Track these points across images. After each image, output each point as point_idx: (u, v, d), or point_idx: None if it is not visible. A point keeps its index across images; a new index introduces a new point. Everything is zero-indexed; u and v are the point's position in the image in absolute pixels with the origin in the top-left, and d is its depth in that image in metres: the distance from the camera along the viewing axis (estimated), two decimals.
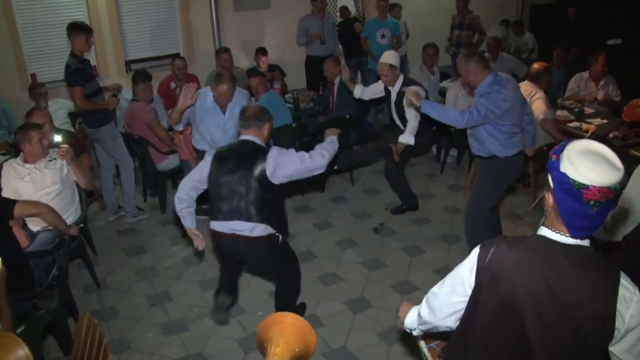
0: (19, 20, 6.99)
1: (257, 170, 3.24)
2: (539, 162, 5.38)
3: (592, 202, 1.62)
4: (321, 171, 3.40)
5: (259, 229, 3.30)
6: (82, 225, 4.40)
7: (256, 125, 3.42)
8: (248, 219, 3.27)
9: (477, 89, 4.00)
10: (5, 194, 3.99)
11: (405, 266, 4.68)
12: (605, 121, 5.55)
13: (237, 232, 3.32)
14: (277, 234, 3.41)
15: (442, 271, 4.49)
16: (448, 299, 1.91)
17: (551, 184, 1.72)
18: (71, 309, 3.93)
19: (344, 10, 8.96)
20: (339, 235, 5.24)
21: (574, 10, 9.39)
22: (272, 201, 3.35)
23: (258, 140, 3.40)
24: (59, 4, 7.17)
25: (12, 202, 3.48)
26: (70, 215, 4.22)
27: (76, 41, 4.93)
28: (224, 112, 4.55)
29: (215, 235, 3.45)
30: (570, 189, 1.64)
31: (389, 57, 5.10)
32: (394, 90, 5.18)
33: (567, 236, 1.72)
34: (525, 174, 5.59)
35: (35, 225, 4.05)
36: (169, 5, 8.01)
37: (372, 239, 5.17)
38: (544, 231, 1.78)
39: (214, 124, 4.56)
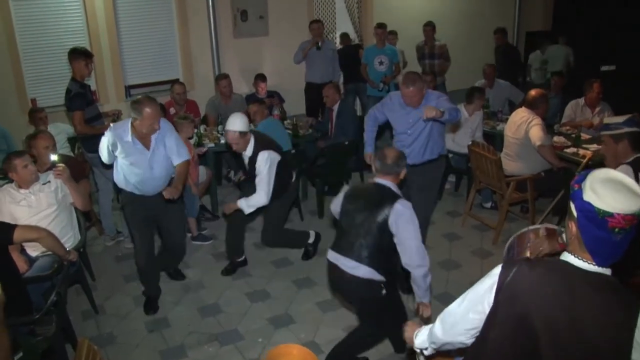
0: (21, 45, 7.06)
1: (381, 217, 3.24)
2: (538, 188, 5.41)
3: (616, 230, 1.65)
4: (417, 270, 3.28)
5: (362, 270, 3.29)
6: (81, 250, 4.39)
7: (395, 172, 3.40)
8: (357, 258, 3.30)
9: (427, 101, 4.33)
10: (1, 219, 3.99)
11: (403, 295, 4.65)
12: (601, 147, 5.58)
13: (341, 266, 3.36)
14: (381, 283, 3.35)
15: (442, 298, 4.47)
16: (466, 315, 1.91)
17: (574, 213, 1.74)
18: (69, 334, 3.88)
19: (344, 36, 9.06)
20: None
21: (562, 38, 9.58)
22: (386, 249, 3.32)
23: (393, 187, 3.38)
24: (61, 29, 7.26)
25: (11, 227, 3.47)
26: (68, 239, 4.21)
27: (76, 66, 4.99)
28: (147, 146, 4.12)
29: (328, 263, 3.51)
30: (594, 217, 1.67)
31: (237, 124, 4.41)
32: (246, 156, 4.60)
33: (590, 263, 1.74)
34: (523, 200, 5.62)
35: (34, 250, 4.04)
36: (168, 31, 8.09)
37: None
38: (567, 257, 1.80)
39: (139, 162, 4.12)
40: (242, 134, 4.45)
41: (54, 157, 4.26)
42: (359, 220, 3.31)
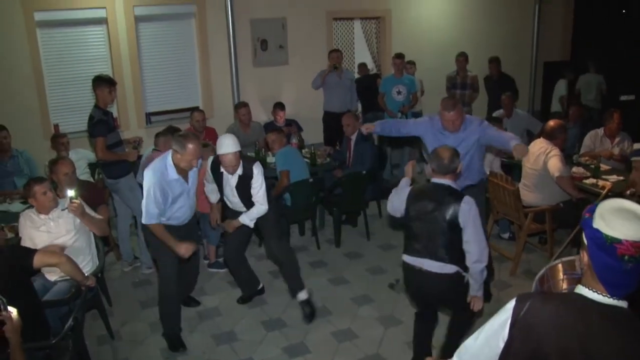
0: (46, 72, 7.26)
1: (450, 216, 3.35)
2: (556, 219, 5.35)
3: (626, 257, 1.63)
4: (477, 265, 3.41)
5: (449, 268, 3.43)
6: (99, 275, 4.42)
7: (453, 170, 3.49)
8: (440, 259, 3.42)
9: (468, 125, 4.45)
10: (22, 243, 4.05)
11: None
12: (621, 178, 5.54)
13: (427, 269, 3.46)
14: (463, 273, 3.47)
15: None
16: (482, 350, 1.89)
17: (585, 242, 1.74)
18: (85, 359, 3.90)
19: (363, 66, 9.14)
20: (354, 291, 5.20)
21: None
22: (459, 246, 3.42)
23: (454, 185, 3.51)
24: (84, 58, 7.44)
25: (31, 252, 3.52)
26: (87, 264, 4.24)
27: (100, 93, 5.10)
28: (186, 179, 4.20)
29: (406, 268, 3.61)
30: (603, 244, 1.66)
31: (233, 145, 4.27)
32: (236, 175, 4.46)
33: (604, 295, 1.72)
34: (541, 231, 5.56)
35: (52, 275, 4.08)
36: (189, 59, 8.24)
37: (388, 295, 5.12)
38: (581, 290, 1.78)
39: (181, 196, 4.19)
40: (239, 153, 4.36)
41: (71, 193, 4.18)
42: (430, 221, 3.42)
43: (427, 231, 3.44)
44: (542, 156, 5.20)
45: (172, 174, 4.01)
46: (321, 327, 4.62)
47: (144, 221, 4.04)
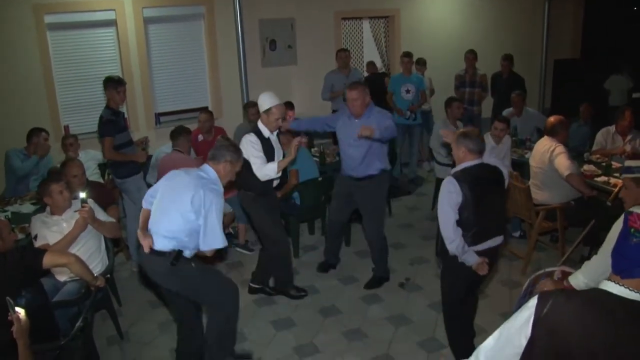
0: (56, 74, 7.30)
1: (504, 188, 3.63)
2: (568, 217, 5.30)
3: (632, 230, 1.67)
4: None
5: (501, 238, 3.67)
6: (108, 276, 4.42)
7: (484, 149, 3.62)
8: (502, 232, 3.66)
9: (369, 114, 4.73)
10: (36, 242, 4.07)
11: (432, 322, 4.59)
12: (622, 190, 5.47)
13: (495, 245, 3.62)
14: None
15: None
16: (503, 350, 1.86)
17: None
18: None
19: (371, 65, 9.12)
20: (363, 290, 5.17)
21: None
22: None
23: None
24: (94, 59, 7.48)
25: (41, 252, 3.51)
26: (96, 265, 4.25)
27: (109, 94, 5.16)
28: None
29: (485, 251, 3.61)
30: (625, 221, 1.73)
31: (276, 97, 4.57)
32: (275, 135, 4.70)
33: (631, 290, 1.71)
34: (553, 230, 5.51)
35: (62, 275, 4.09)
36: (198, 60, 8.26)
37: (398, 294, 5.09)
38: (606, 285, 1.77)
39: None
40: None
41: (82, 195, 4.21)
42: (496, 201, 3.57)
43: (494, 210, 3.57)
44: (547, 154, 5.15)
45: (222, 188, 3.67)
46: (331, 326, 4.61)
47: (223, 245, 3.61)
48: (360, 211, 5.17)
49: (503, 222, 3.66)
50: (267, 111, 4.48)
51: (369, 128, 4.36)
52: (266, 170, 4.44)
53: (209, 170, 3.60)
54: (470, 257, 3.47)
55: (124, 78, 7.00)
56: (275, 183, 4.74)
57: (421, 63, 8.63)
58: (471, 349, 3.81)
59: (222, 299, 3.78)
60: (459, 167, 3.52)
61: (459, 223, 3.44)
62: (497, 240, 3.62)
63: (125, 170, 5.27)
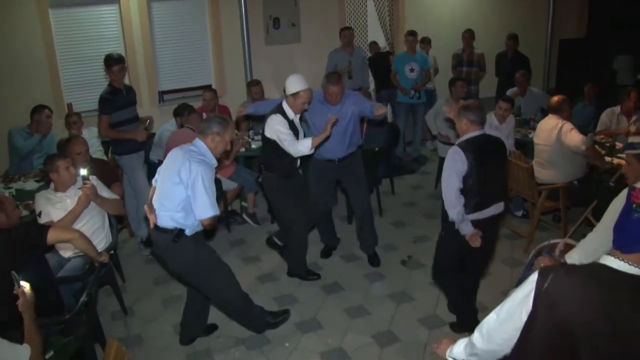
0: (59, 52, 7.24)
1: (505, 157, 3.79)
2: (571, 197, 5.31)
3: (634, 205, 1.69)
4: None
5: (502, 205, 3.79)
6: (112, 252, 4.45)
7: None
8: (502, 199, 3.76)
9: (346, 98, 4.73)
10: (41, 219, 4.09)
11: (433, 300, 4.61)
12: (623, 166, 5.47)
13: (496, 213, 3.73)
14: None
15: None
16: (504, 324, 1.89)
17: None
18: (98, 335, 3.95)
19: (374, 45, 9.06)
20: (365, 267, 5.20)
21: None
22: None
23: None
24: (97, 37, 7.43)
25: (45, 228, 3.55)
26: (100, 241, 4.27)
27: (107, 71, 5.19)
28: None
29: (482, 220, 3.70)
30: (628, 193, 1.75)
31: (305, 81, 4.52)
32: (297, 117, 4.66)
33: (631, 265, 1.72)
34: (555, 209, 5.52)
35: (66, 251, 4.12)
36: (202, 38, 8.21)
37: (400, 271, 5.12)
38: (607, 260, 1.77)
39: None
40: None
41: (83, 172, 4.22)
42: (496, 170, 3.66)
43: (496, 180, 3.68)
44: (555, 131, 5.13)
45: (213, 160, 3.72)
46: (333, 303, 4.64)
47: (214, 213, 3.58)
48: (347, 189, 5.24)
49: (504, 191, 3.76)
50: (295, 94, 4.47)
51: (383, 107, 4.61)
52: (300, 147, 4.41)
53: (198, 143, 3.67)
54: (466, 227, 3.61)
55: (127, 55, 7.01)
56: (298, 163, 4.76)
57: (426, 42, 8.57)
58: (474, 316, 3.89)
59: (218, 287, 3.87)
60: (463, 138, 3.62)
61: (463, 191, 3.56)
62: (499, 207, 3.74)
63: (123, 148, 5.29)
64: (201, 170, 3.50)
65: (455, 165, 3.52)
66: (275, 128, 4.44)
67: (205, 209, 3.53)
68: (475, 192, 3.57)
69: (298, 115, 4.65)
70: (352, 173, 5.03)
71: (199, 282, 3.85)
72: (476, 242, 3.62)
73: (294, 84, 4.47)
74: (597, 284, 1.70)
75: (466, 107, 3.63)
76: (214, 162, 3.69)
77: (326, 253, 5.46)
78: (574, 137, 5.00)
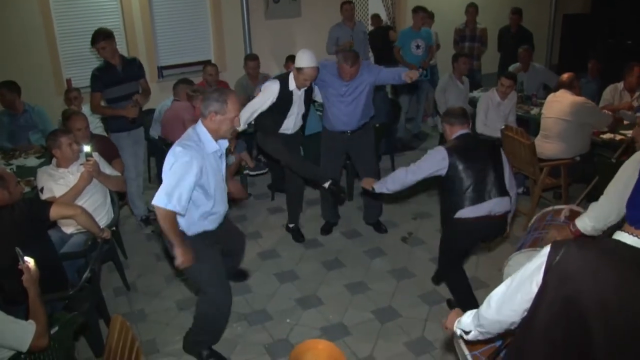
0: (57, 27, 7.17)
1: (499, 155, 3.86)
2: (572, 174, 5.31)
3: None
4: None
5: (507, 201, 3.84)
6: (114, 228, 4.46)
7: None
8: (501, 196, 3.76)
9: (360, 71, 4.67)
10: (43, 194, 4.09)
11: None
12: (634, 129, 5.47)
13: (498, 210, 3.77)
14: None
15: (471, 282, 4.43)
16: (514, 295, 1.89)
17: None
18: (102, 310, 3.98)
19: (376, 18, 8.96)
20: (366, 244, 5.23)
21: None
22: None
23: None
24: (96, 11, 7.35)
25: (47, 204, 3.56)
26: (102, 218, 4.28)
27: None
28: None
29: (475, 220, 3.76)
30: None
31: (314, 59, 4.52)
32: (302, 91, 4.71)
33: None
34: (556, 186, 5.52)
35: (68, 227, 4.13)
36: (201, 13, 8.13)
37: (400, 248, 5.15)
38: (620, 235, 1.77)
39: (217, 177, 3.48)
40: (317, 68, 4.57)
41: (87, 149, 4.17)
42: (487, 165, 3.73)
43: (488, 174, 3.73)
44: (576, 106, 5.15)
45: (212, 146, 3.26)
46: (334, 279, 4.67)
47: (160, 202, 3.13)
48: (356, 160, 5.20)
49: (501, 189, 3.74)
50: (300, 69, 4.48)
51: (414, 72, 4.62)
52: (242, 117, 4.16)
53: (198, 127, 3.25)
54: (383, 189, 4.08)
55: (126, 30, 6.96)
56: (291, 128, 4.85)
57: (429, 16, 8.43)
58: (474, 300, 3.92)
59: (211, 289, 3.49)
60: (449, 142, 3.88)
61: (452, 185, 3.75)
62: (500, 205, 3.74)
63: (112, 125, 5.32)
64: (178, 153, 3.09)
65: (433, 160, 3.78)
66: (262, 90, 4.60)
67: (159, 194, 3.10)
68: (467, 187, 3.69)
69: (303, 90, 4.64)
70: (362, 144, 5.03)
71: (195, 277, 3.55)
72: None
73: (301, 58, 4.47)
74: (611, 259, 1.70)
75: (445, 114, 3.97)
76: (212, 147, 3.24)
77: (327, 230, 5.47)
78: (601, 119, 5.32)
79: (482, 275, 4.50)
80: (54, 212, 3.50)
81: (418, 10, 7.69)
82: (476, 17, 8.18)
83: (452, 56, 6.76)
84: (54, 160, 4.28)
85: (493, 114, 6.05)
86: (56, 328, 2.94)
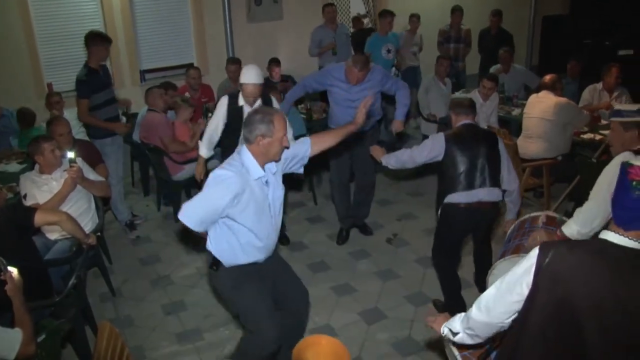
0: (37, 30, 7.12)
1: (496, 146, 3.88)
2: (554, 173, 5.38)
3: (634, 183, 1.71)
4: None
5: (497, 192, 3.91)
6: (99, 234, 4.43)
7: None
8: (492, 185, 3.84)
9: (372, 75, 4.73)
10: (26, 201, 4.05)
11: (419, 277, 4.68)
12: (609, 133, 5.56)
13: (487, 198, 3.82)
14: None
15: None
16: (504, 298, 1.91)
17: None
18: (88, 317, 3.95)
19: (357, 20, 8.99)
20: (351, 246, 5.25)
21: None
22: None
23: None
24: (76, 14, 7.30)
25: (31, 211, 3.52)
26: (87, 223, 4.24)
27: (95, 50, 5.00)
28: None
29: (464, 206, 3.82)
30: (622, 172, 1.77)
31: (256, 76, 4.31)
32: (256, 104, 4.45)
33: (631, 239, 1.75)
34: (538, 186, 5.59)
35: (53, 233, 4.10)
36: (183, 15, 8.11)
37: (386, 249, 5.18)
38: (607, 235, 1.80)
39: (261, 206, 3.04)
40: (260, 85, 4.37)
41: (70, 154, 4.14)
42: (482, 155, 3.79)
43: (480, 164, 3.79)
44: (559, 106, 5.23)
45: (257, 172, 2.93)
46: (320, 281, 4.68)
47: (184, 218, 2.89)
48: (356, 160, 5.10)
49: (493, 180, 3.80)
50: (241, 85, 4.33)
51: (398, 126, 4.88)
52: (204, 137, 4.57)
53: (242, 152, 2.94)
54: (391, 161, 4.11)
55: (107, 33, 6.86)
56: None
57: (415, 18, 8.32)
58: (461, 301, 3.95)
59: (251, 327, 3.15)
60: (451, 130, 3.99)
61: (446, 170, 3.84)
62: (491, 194, 3.81)
63: (95, 131, 5.24)
64: (216, 171, 2.89)
65: (431, 146, 3.87)
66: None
67: (184, 209, 2.88)
68: (460, 173, 3.78)
69: (258, 105, 4.36)
70: (366, 150, 4.81)
71: (239, 314, 3.28)
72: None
73: (244, 74, 4.32)
74: (602, 259, 1.73)
75: (453, 104, 4.05)
76: (258, 173, 2.91)
77: (344, 238, 5.35)
78: (583, 118, 5.45)
79: (468, 275, 4.53)
80: (39, 218, 3.47)
81: (386, 14, 7.55)
82: (461, 19, 8.26)
83: (436, 58, 6.82)
84: (36, 166, 4.24)
85: (479, 113, 6.10)
86: (43, 336, 2.92)
